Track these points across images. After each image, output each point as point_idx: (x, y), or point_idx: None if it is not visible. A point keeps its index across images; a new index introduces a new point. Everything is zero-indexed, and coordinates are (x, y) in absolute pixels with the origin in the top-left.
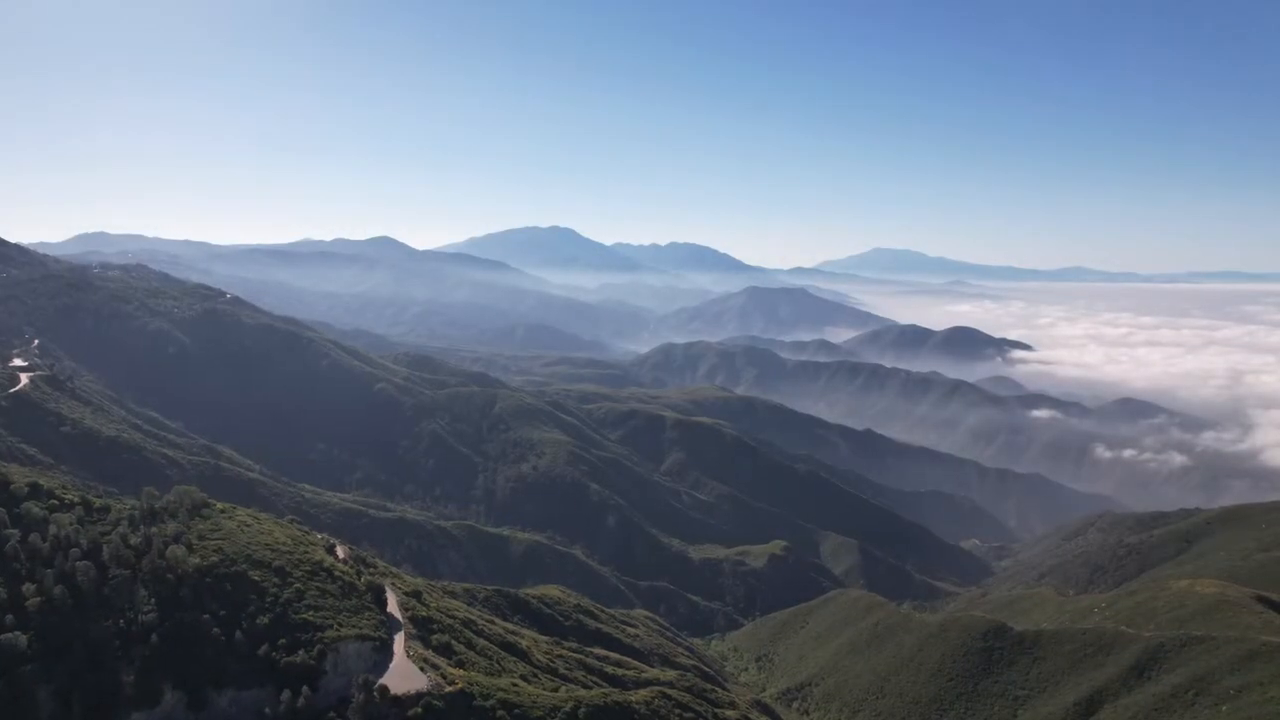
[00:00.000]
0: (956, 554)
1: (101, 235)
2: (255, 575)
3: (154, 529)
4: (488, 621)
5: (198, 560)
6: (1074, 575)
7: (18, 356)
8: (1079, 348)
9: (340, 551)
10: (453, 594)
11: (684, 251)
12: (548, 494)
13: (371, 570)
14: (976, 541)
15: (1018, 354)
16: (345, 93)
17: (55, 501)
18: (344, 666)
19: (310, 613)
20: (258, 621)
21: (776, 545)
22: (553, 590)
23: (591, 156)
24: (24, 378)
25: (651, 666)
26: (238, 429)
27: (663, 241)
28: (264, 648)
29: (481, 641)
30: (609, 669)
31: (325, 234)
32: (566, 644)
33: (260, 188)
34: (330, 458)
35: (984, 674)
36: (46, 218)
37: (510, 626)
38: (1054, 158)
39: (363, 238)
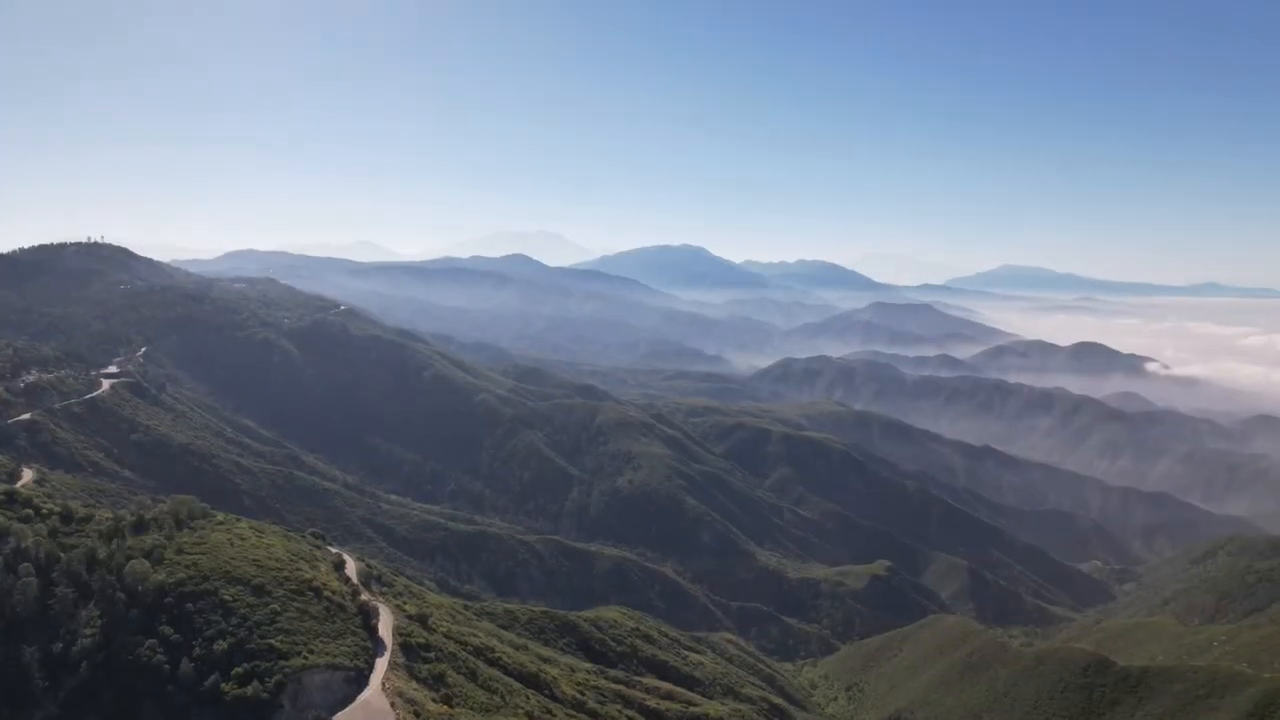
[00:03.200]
0: (1074, 577)
1: (250, 252)
2: (227, 594)
3: (128, 541)
4: (517, 648)
5: (162, 577)
6: (1200, 603)
7: (115, 364)
8: (1213, 363)
9: (351, 568)
10: (491, 614)
11: (812, 269)
12: (642, 508)
13: (383, 589)
14: (1098, 563)
15: (1147, 369)
16: (504, 112)
17: (29, 511)
18: (305, 700)
19: (279, 637)
20: (214, 647)
21: (879, 566)
22: (611, 613)
23: (724, 174)
24: (105, 383)
25: (709, 698)
26: (335, 438)
27: (791, 259)
28: (213, 677)
29: (490, 671)
30: (652, 702)
31: (465, 252)
32: (611, 673)
33: (411, 206)
34: (424, 468)
35: (1083, 713)
36: (201, 236)
37: (547, 653)
38: (1186, 172)
39: (499, 255)
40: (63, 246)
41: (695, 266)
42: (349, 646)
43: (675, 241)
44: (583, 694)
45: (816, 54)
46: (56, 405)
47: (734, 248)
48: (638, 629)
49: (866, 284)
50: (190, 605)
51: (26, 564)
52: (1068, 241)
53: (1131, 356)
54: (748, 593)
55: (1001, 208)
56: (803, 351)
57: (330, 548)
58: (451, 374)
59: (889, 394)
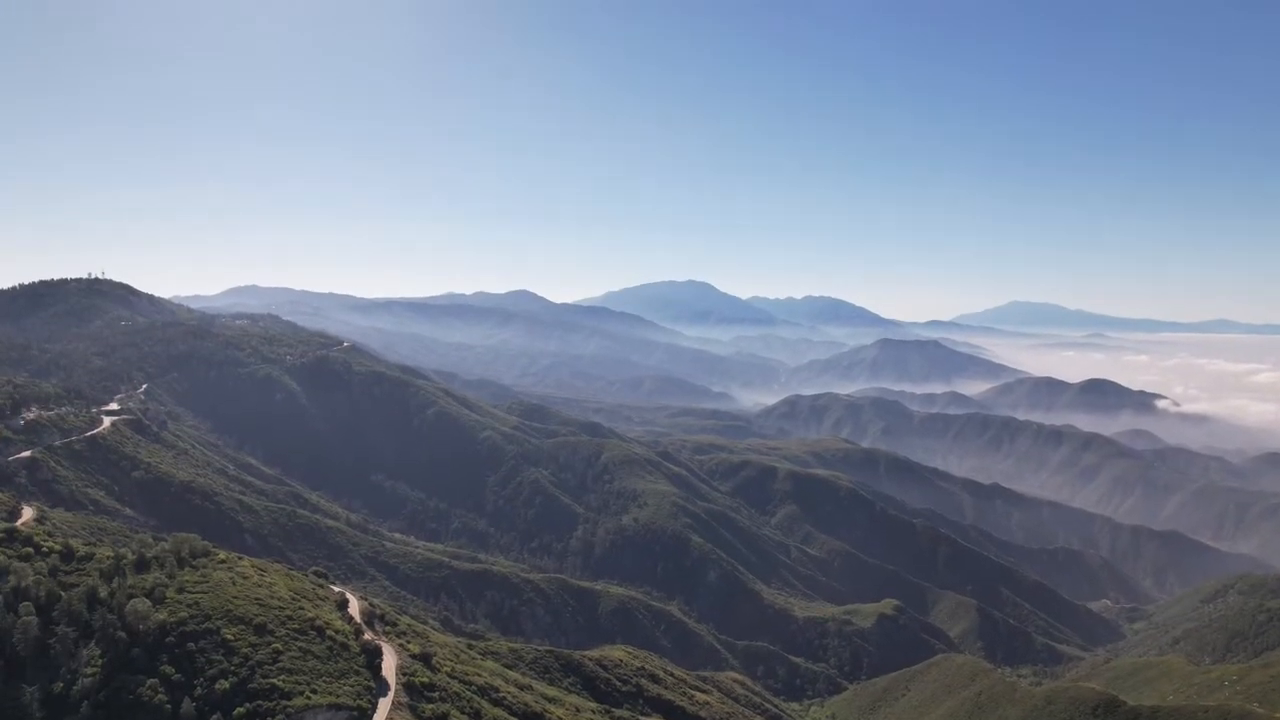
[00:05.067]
0: (1084, 615)
1: (252, 288)
2: (229, 633)
3: (129, 580)
4: (521, 688)
5: (164, 616)
6: (1210, 641)
7: (116, 401)
8: (1223, 400)
9: (355, 608)
10: (495, 654)
11: (819, 305)
12: (647, 546)
13: (387, 628)
14: (1107, 602)
15: (1157, 406)
16: (512, 150)
17: (30, 549)
18: None
19: (282, 677)
20: (216, 686)
21: (887, 604)
22: (616, 652)
23: (731, 209)
24: (107, 421)
25: None
26: (338, 476)
27: (799, 295)
28: (215, 717)
29: (495, 711)
30: None
31: (468, 288)
32: (617, 713)
33: (416, 242)
34: (427, 506)
35: None
36: (203, 273)
37: (552, 693)
38: (1198, 208)
39: (503, 291)
40: (64, 282)
41: (701, 303)
42: (352, 686)
43: (681, 277)
44: None
45: (822, 85)
46: (57, 443)
47: (741, 283)
48: (643, 668)
49: (874, 320)
50: (192, 644)
51: (27, 603)
52: (1077, 278)
53: (1141, 393)
54: (754, 632)
55: (1010, 244)
56: (810, 388)
57: (333, 586)
58: (455, 411)
59: (896, 431)
